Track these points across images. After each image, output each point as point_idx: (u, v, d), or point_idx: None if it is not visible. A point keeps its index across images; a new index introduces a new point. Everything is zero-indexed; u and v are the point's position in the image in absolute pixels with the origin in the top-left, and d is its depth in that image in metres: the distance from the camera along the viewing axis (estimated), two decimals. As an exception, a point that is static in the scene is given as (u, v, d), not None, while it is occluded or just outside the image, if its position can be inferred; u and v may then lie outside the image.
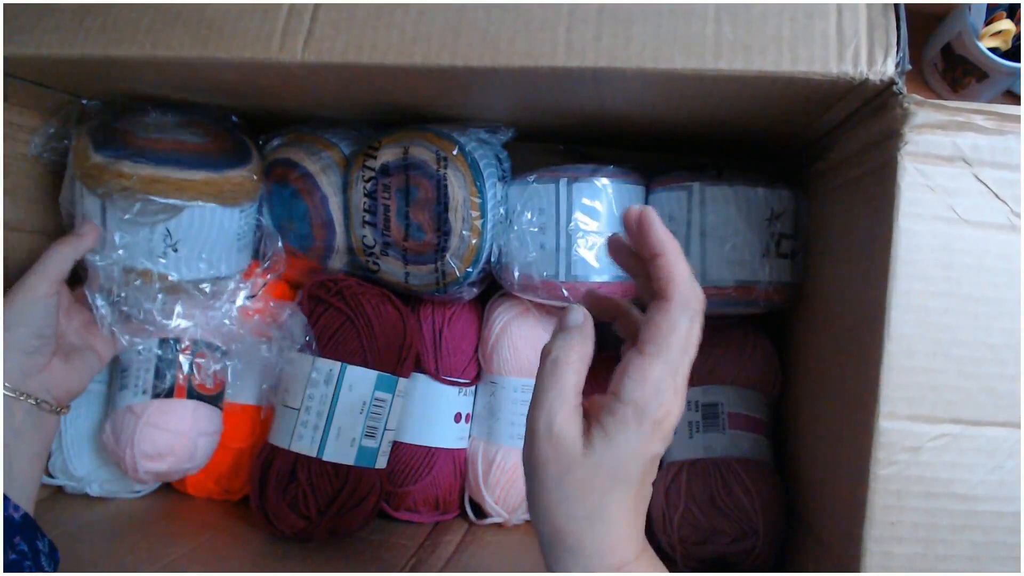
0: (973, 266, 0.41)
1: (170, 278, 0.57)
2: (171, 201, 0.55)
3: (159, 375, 0.61)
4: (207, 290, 0.58)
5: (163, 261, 0.57)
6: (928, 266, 0.41)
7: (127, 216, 0.55)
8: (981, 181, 0.41)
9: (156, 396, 0.61)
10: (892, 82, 0.41)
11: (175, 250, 0.57)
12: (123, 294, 0.56)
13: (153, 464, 0.61)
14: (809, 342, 0.56)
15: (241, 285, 0.61)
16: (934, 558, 0.41)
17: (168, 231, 0.56)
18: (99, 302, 0.57)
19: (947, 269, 0.41)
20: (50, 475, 0.63)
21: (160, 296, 0.57)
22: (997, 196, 0.41)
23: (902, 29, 0.42)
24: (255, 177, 0.60)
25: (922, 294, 0.41)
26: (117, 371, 0.63)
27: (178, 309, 0.58)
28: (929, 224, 0.41)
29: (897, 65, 0.41)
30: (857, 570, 0.41)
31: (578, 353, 0.37)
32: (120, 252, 0.56)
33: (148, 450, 0.60)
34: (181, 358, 0.62)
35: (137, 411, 0.60)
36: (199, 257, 0.58)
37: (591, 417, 0.36)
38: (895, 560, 0.41)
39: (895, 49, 0.41)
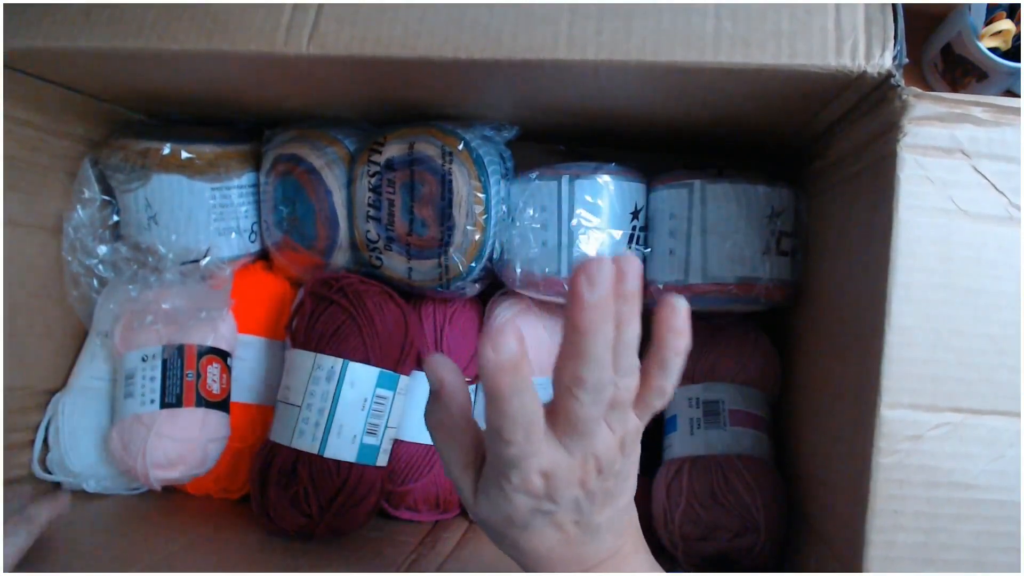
0: (972, 258, 0.41)
1: (160, 251, 0.61)
2: (138, 167, 0.61)
3: (166, 383, 0.61)
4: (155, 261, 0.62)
5: (148, 233, 0.62)
6: (928, 258, 0.41)
7: (114, 184, 0.63)
8: (980, 173, 0.41)
9: (165, 406, 0.61)
10: (890, 75, 0.42)
11: (156, 222, 0.61)
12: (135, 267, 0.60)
13: (165, 473, 0.61)
14: (809, 339, 0.56)
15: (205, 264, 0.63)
16: (936, 547, 0.41)
17: (148, 202, 0.61)
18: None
19: (947, 261, 0.41)
20: (47, 471, 0.63)
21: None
22: (996, 188, 0.41)
23: (899, 23, 0.42)
24: (232, 158, 0.63)
25: (922, 286, 0.41)
26: (121, 376, 0.62)
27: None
28: (929, 216, 0.41)
29: (895, 58, 0.42)
30: (859, 560, 0.41)
31: (443, 422, 0.38)
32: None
33: (160, 460, 0.60)
34: (187, 365, 0.62)
35: (146, 421, 0.60)
36: (175, 230, 0.62)
37: None
38: (897, 550, 0.41)
39: (892, 43, 0.42)
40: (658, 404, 0.37)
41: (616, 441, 0.36)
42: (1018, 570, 0.41)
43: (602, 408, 0.34)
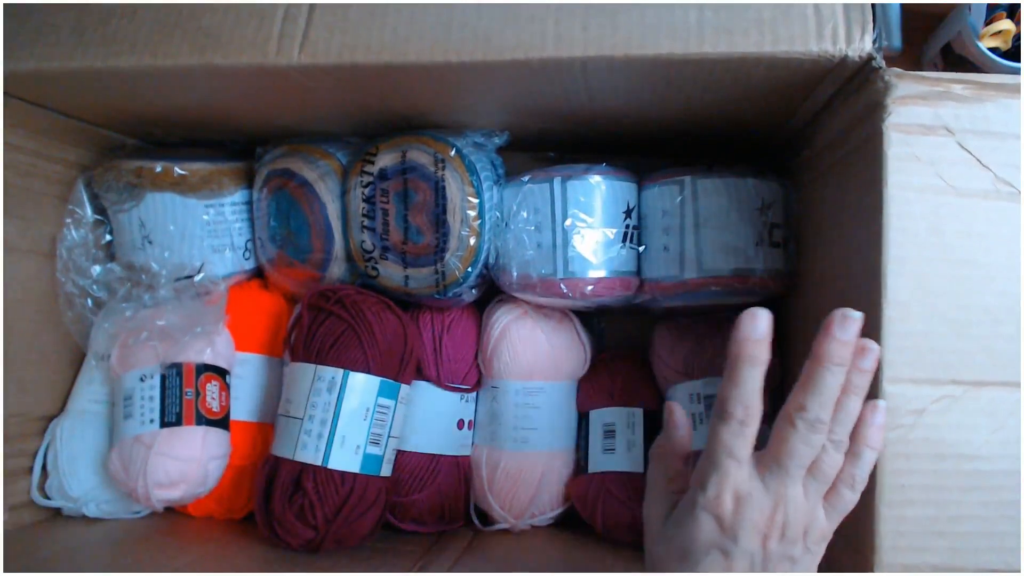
0: (963, 231, 0.42)
1: (153, 268, 0.61)
2: (131, 187, 0.61)
3: (165, 402, 0.61)
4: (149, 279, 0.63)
5: (141, 252, 0.62)
6: (919, 233, 0.42)
7: (107, 204, 0.63)
8: (965, 149, 0.42)
9: (165, 425, 0.60)
10: (871, 57, 0.43)
11: (150, 241, 0.62)
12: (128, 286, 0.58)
13: (166, 493, 0.60)
14: (807, 326, 0.56)
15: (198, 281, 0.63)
16: (947, 520, 0.41)
17: (142, 221, 0.61)
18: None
19: (938, 235, 0.42)
20: (47, 497, 0.62)
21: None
22: (981, 163, 0.42)
23: (878, 10, 0.43)
24: (225, 175, 0.63)
25: (916, 260, 0.42)
26: (120, 397, 0.62)
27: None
28: (918, 192, 0.42)
29: (874, 41, 0.43)
30: (871, 537, 0.41)
31: (661, 449, 0.45)
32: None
33: (161, 479, 0.59)
34: (186, 383, 0.62)
35: (146, 441, 0.60)
36: (168, 247, 0.62)
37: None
38: (908, 524, 0.41)
39: (871, 26, 0.43)
40: (847, 496, 0.40)
41: (805, 513, 0.39)
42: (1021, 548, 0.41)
43: (809, 452, 0.38)
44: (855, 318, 0.38)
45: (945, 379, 0.41)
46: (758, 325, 0.38)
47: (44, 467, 0.63)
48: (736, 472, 0.38)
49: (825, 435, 0.38)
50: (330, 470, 0.57)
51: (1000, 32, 0.57)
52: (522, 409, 0.64)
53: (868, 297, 0.42)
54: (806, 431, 0.38)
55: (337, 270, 0.63)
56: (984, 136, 0.42)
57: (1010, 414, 0.41)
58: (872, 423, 0.40)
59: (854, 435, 0.40)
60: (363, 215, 0.59)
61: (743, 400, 0.38)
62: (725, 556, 0.38)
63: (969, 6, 0.56)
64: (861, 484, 0.40)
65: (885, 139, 0.42)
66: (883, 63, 0.43)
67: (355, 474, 0.58)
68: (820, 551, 0.40)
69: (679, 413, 0.45)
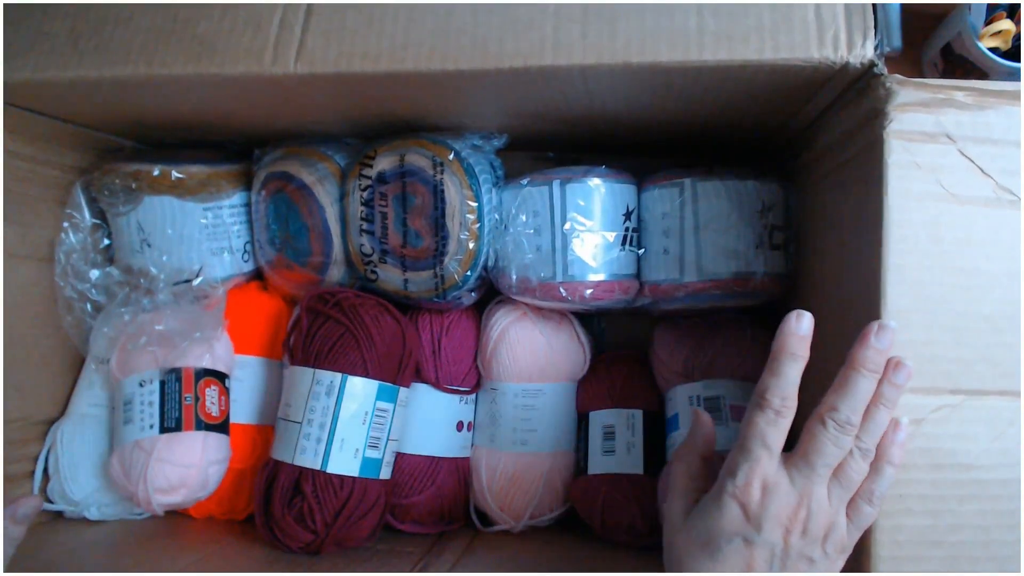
0: (963, 239, 0.42)
1: (152, 272, 0.61)
2: (129, 190, 0.61)
3: (165, 408, 0.61)
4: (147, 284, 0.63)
5: (140, 256, 0.62)
6: (919, 240, 0.41)
7: (105, 208, 0.63)
8: (966, 156, 0.42)
9: (164, 430, 0.60)
10: (872, 64, 0.42)
11: (148, 245, 0.62)
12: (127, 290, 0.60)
13: (167, 498, 0.60)
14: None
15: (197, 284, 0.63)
16: (944, 529, 0.41)
17: (140, 225, 0.61)
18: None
19: (938, 243, 0.41)
20: (49, 500, 0.63)
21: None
22: (982, 170, 0.42)
23: (879, 12, 0.43)
24: (223, 178, 0.63)
25: (915, 268, 0.41)
26: (120, 402, 0.62)
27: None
28: (918, 200, 0.41)
29: (876, 47, 0.42)
30: (867, 545, 0.41)
31: (686, 448, 0.46)
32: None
33: (161, 485, 0.60)
34: (185, 389, 0.62)
35: (146, 447, 0.60)
36: (166, 250, 0.62)
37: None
38: (905, 533, 0.41)
39: (873, 32, 0.42)
40: (866, 511, 0.40)
41: (827, 514, 0.39)
42: (1020, 556, 0.41)
43: (837, 453, 0.39)
44: (891, 328, 0.40)
45: (944, 388, 0.41)
46: (803, 323, 0.40)
47: (45, 471, 0.63)
48: (767, 462, 0.39)
49: (853, 439, 0.39)
50: (329, 474, 0.57)
51: (1000, 32, 0.57)
52: (521, 411, 0.64)
53: (867, 305, 0.42)
54: (835, 432, 0.39)
55: (336, 273, 0.63)
56: (985, 143, 0.42)
57: (1009, 423, 0.41)
58: (894, 440, 0.41)
59: (877, 450, 0.40)
60: (362, 218, 0.59)
61: (781, 391, 0.40)
62: (747, 545, 0.39)
63: (969, 6, 0.56)
64: (879, 500, 0.40)
65: (886, 146, 0.41)
66: (884, 69, 0.42)
67: (354, 478, 0.58)
68: (839, 561, 0.41)
69: (705, 416, 0.47)
